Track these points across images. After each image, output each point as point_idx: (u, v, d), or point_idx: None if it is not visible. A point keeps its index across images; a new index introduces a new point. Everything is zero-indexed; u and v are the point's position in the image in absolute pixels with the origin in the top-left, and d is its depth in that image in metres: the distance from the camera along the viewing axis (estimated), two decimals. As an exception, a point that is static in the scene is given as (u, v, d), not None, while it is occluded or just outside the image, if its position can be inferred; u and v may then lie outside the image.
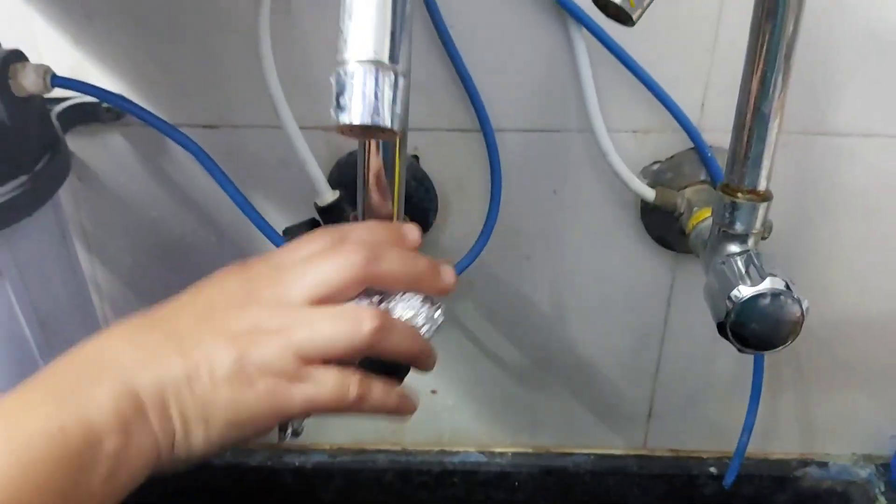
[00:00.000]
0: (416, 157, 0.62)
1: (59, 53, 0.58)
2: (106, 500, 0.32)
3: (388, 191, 0.44)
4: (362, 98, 0.29)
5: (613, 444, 0.78)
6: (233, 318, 0.36)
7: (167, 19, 0.57)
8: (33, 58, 0.53)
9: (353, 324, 0.35)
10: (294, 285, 0.36)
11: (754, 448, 0.72)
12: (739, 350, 0.50)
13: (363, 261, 0.36)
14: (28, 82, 0.51)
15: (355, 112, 0.29)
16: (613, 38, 0.57)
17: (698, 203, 0.60)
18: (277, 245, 0.58)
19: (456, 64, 0.58)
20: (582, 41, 0.57)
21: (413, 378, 0.75)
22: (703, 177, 0.62)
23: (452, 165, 0.63)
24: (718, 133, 0.61)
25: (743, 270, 0.49)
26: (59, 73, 0.53)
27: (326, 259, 0.37)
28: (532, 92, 0.60)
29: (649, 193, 0.61)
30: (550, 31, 0.58)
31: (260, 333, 0.35)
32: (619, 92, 0.59)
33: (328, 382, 0.36)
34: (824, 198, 0.64)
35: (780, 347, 0.49)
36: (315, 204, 0.58)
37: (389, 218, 0.46)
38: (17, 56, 0.51)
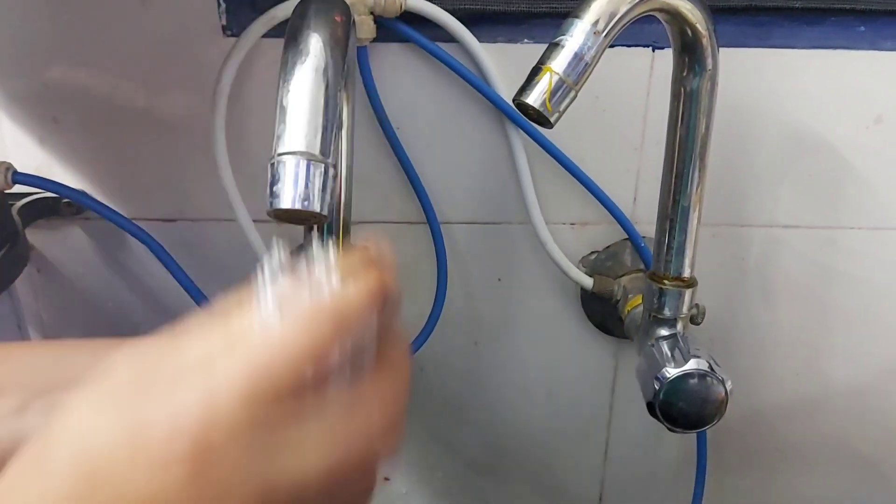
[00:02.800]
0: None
1: (25, 153, 0.61)
2: None
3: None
4: (294, 186, 0.32)
5: (566, 532, 0.78)
6: None
7: (128, 120, 0.60)
8: (0, 157, 0.56)
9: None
10: None
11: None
12: (670, 430, 0.52)
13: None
14: (-10, 179, 0.53)
15: (286, 198, 0.32)
16: (549, 138, 0.61)
17: (633, 290, 0.63)
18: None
19: (403, 161, 0.61)
20: (519, 141, 0.61)
21: (365, 467, 0.75)
22: (640, 265, 0.66)
23: (401, 255, 0.66)
24: (650, 224, 0.64)
25: (669, 353, 0.52)
26: (26, 171, 0.56)
27: None
28: (474, 187, 0.64)
29: (587, 281, 0.64)
30: (490, 131, 0.62)
31: None
32: (556, 187, 0.63)
33: None
34: (759, 286, 0.68)
35: (708, 426, 0.52)
36: (267, 293, 0.60)
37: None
38: (-18, 154, 0.54)
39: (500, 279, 0.67)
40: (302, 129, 0.32)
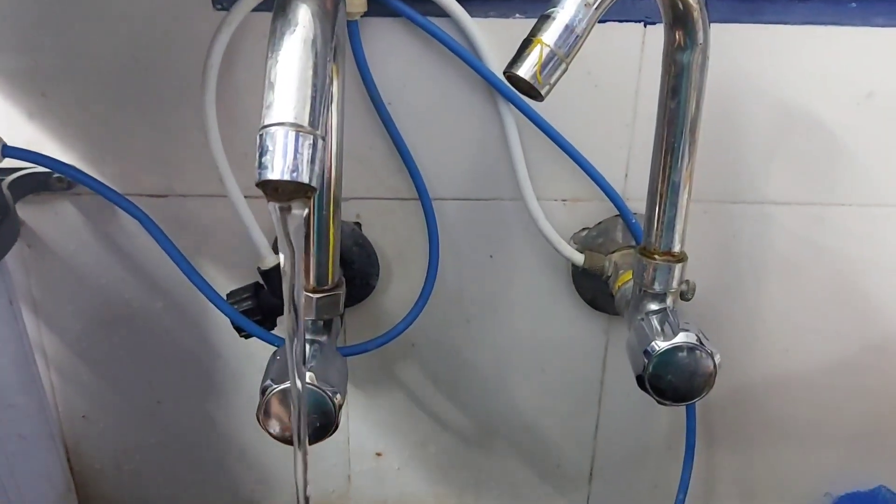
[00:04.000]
0: (358, 224, 0.65)
1: (14, 128, 0.60)
2: None
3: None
4: (283, 157, 0.32)
5: (557, 506, 0.79)
6: None
7: (118, 95, 0.60)
8: (-12, 130, 0.55)
9: None
10: None
11: (693, 506, 0.74)
12: (659, 402, 0.53)
13: None
14: (-21, 153, 0.53)
15: (275, 169, 0.32)
16: (540, 114, 0.61)
17: (624, 266, 0.63)
18: (221, 308, 0.60)
19: (394, 138, 0.61)
20: (511, 117, 0.61)
21: (358, 442, 0.76)
22: (631, 241, 0.66)
23: (393, 232, 0.66)
24: (642, 201, 0.64)
25: (659, 327, 0.53)
26: (16, 145, 0.56)
27: None
28: (466, 163, 0.64)
29: (578, 258, 0.64)
30: (482, 107, 0.62)
31: None
32: (548, 164, 0.63)
33: None
34: (750, 262, 0.68)
35: (697, 399, 0.52)
36: (258, 268, 0.61)
37: (324, 278, 0.49)
38: (-29, 128, 0.54)
39: (491, 256, 0.67)
40: (290, 100, 0.32)
